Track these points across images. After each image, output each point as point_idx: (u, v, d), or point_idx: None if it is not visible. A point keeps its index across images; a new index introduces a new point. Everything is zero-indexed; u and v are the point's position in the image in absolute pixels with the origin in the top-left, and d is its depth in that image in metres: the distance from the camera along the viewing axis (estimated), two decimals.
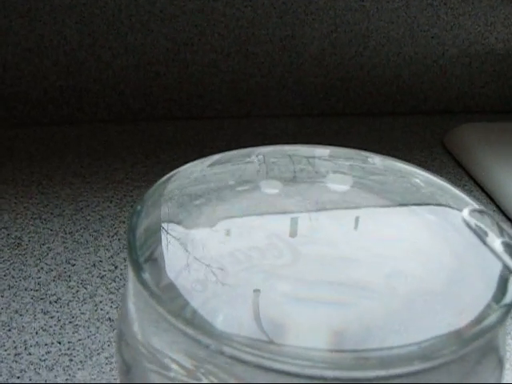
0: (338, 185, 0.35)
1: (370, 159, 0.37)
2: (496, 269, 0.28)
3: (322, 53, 0.73)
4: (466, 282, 0.27)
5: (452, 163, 0.69)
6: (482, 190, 0.65)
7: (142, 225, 0.30)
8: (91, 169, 0.63)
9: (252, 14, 0.70)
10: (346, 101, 0.77)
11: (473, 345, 0.24)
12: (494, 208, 0.62)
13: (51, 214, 0.56)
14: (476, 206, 0.28)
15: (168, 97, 0.73)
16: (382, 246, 0.32)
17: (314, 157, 0.37)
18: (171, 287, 0.28)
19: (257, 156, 0.36)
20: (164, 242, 0.30)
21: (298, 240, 0.32)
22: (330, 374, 0.23)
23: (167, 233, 0.31)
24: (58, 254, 0.51)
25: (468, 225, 0.25)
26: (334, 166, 0.37)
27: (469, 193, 0.64)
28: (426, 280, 0.28)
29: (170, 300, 0.27)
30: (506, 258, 0.25)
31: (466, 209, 0.26)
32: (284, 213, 0.34)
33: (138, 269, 0.27)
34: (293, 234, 0.32)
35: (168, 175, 0.34)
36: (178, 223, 0.32)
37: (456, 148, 0.71)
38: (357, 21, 0.73)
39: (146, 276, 0.27)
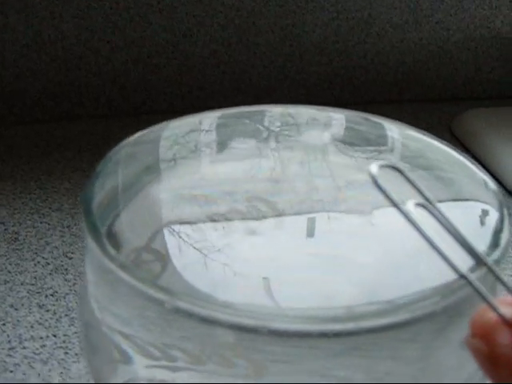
0: (315, 140, 0.34)
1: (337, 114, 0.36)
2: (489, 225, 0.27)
3: (325, 41, 0.72)
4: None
5: (459, 148, 0.68)
6: (490, 174, 0.63)
7: (102, 188, 0.29)
8: (92, 163, 0.62)
9: (252, 3, 0.69)
10: (350, 89, 0.75)
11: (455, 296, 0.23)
12: (503, 192, 0.61)
13: (49, 208, 0.55)
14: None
15: (169, 90, 0.72)
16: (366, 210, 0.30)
17: (287, 115, 0.35)
18: (142, 252, 0.27)
19: (228, 117, 0.35)
20: (129, 207, 0.29)
21: (281, 203, 0.31)
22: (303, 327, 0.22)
23: (132, 197, 0.30)
24: (55, 247, 0.50)
25: (375, 182, 0.21)
26: (312, 124, 0.36)
27: None
28: (410, 242, 0.26)
29: (138, 266, 0.26)
30: (418, 223, 0.22)
31: (373, 164, 0.22)
32: (261, 171, 0.32)
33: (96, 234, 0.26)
34: (275, 195, 0.31)
35: (123, 142, 0.33)
36: (144, 187, 0.31)
37: (463, 133, 0.69)
38: (359, 7, 0.71)
39: (107, 242, 0.26)
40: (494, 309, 0.20)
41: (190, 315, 0.23)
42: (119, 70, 0.70)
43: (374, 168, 0.22)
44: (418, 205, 0.22)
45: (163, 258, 0.27)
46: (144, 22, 0.68)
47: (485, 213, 0.30)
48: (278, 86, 0.73)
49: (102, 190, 0.29)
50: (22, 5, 0.65)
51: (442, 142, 0.34)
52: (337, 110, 0.38)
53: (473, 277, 0.22)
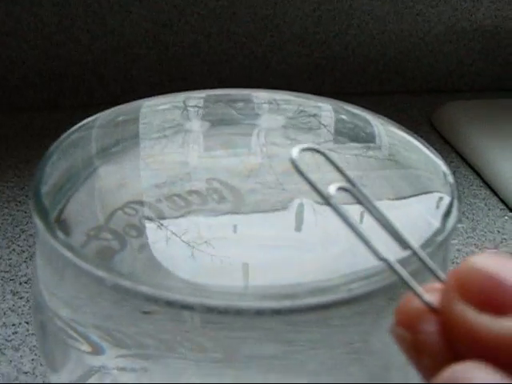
0: (269, 125, 0.34)
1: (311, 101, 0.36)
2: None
3: (305, 31, 0.72)
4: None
5: (439, 140, 0.68)
6: (469, 165, 0.63)
7: (55, 170, 0.29)
8: None
9: None
10: (331, 80, 0.75)
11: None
12: (481, 183, 0.61)
13: (26, 196, 0.55)
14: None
15: (149, 79, 0.71)
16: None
17: (247, 100, 0.36)
18: (98, 233, 0.27)
19: (183, 100, 0.35)
20: (83, 190, 0.29)
21: (240, 184, 0.31)
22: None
23: (87, 179, 0.30)
24: (30, 235, 0.50)
25: (296, 167, 0.20)
26: (268, 108, 0.36)
27: (456, 168, 0.63)
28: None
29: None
30: (339, 208, 0.20)
31: (295, 147, 0.20)
32: (216, 153, 0.33)
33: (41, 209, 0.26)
34: (235, 179, 0.31)
35: (77, 126, 0.33)
36: (98, 168, 0.31)
37: (443, 125, 0.70)
38: None
39: (55, 225, 0.25)
40: (418, 295, 0.20)
41: (147, 297, 0.23)
42: (99, 59, 0.69)
43: (294, 152, 0.21)
44: (342, 189, 0.21)
45: (121, 239, 0.27)
46: (124, 11, 0.68)
47: (437, 202, 0.30)
48: (259, 77, 0.73)
49: (54, 172, 0.29)
50: None
51: (403, 129, 0.34)
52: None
53: (394, 261, 0.20)
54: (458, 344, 0.18)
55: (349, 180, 0.21)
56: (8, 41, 0.67)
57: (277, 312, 0.22)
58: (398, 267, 0.20)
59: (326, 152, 0.22)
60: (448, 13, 0.74)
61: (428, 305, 0.19)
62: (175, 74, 0.71)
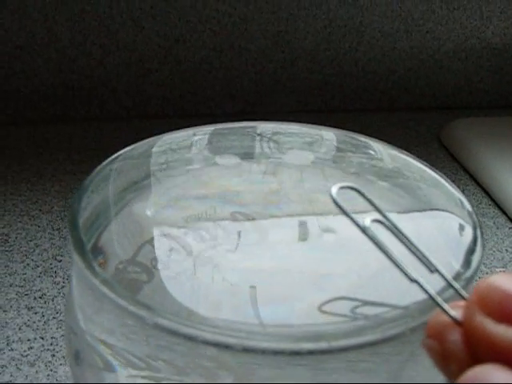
0: (297, 161, 0.35)
1: (323, 132, 0.37)
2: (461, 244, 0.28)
3: (316, 48, 0.73)
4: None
5: (448, 158, 0.69)
6: (478, 183, 0.64)
7: (90, 203, 0.29)
8: (82, 166, 0.63)
9: (244, 10, 0.70)
10: (341, 97, 0.76)
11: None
12: (490, 202, 0.61)
13: (40, 210, 0.56)
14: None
15: (160, 94, 0.72)
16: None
17: (275, 133, 0.36)
18: (127, 265, 0.27)
19: (211, 133, 0.36)
20: (116, 221, 0.30)
21: (264, 218, 0.31)
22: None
23: (119, 212, 0.30)
24: (44, 250, 0.51)
25: (336, 203, 0.23)
26: (295, 143, 0.36)
27: (464, 186, 0.63)
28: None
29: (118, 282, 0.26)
30: (375, 238, 0.23)
31: (334, 186, 0.24)
32: (242, 187, 0.33)
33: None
34: (259, 211, 0.31)
35: (112, 157, 0.33)
36: (130, 202, 0.31)
37: (452, 143, 0.70)
38: (351, 15, 0.72)
39: (91, 257, 0.26)
40: (445, 311, 0.22)
41: (170, 331, 0.23)
42: (111, 73, 0.70)
43: (334, 189, 0.24)
44: (375, 221, 0.24)
45: (149, 272, 0.27)
46: (137, 26, 0.68)
47: (459, 232, 0.30)
48: (269, 93, 0.74)
49: (89, 204, 0.29)
50: (15, 6, 0.65)
51: (422, 163, 0.35)
52: (326, 128, 0.39)
53: (424, 282, 0.23)
54: (479, 350, 0.21)
55: (381, 213, 0.24)
56: (21, 54, 0.68)
57: (311, 353, 0.23)
58: (428, 287, 0.23)
59: (361, 190, 0.24)
60: (457, 31, 0.75)
61: (453, 319, 0.22)
62: (187, 88, 0.72)
